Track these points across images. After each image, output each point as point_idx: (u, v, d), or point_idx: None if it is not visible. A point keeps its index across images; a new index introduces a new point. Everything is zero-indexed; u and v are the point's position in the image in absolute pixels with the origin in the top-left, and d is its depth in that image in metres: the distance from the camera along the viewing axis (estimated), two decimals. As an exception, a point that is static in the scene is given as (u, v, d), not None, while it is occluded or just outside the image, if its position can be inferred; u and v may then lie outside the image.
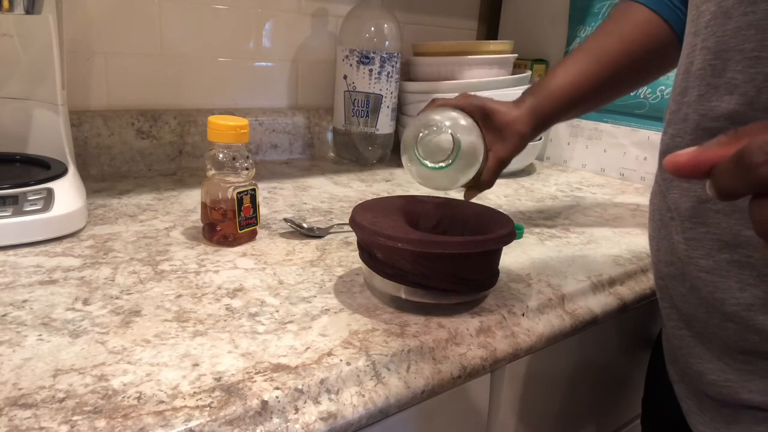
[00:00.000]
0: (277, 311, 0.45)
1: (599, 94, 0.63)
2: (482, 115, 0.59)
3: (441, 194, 0.58)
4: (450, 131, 0.53)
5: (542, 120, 0.61)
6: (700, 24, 0.40)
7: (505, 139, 0.59)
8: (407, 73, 1.05)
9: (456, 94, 0.60)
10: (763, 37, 0.35)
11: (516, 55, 1.01)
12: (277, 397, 0.35)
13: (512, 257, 0.60)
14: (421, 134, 0.54)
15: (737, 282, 0.39)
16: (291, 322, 0.43)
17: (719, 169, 0.25)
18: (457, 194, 0.71)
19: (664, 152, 0.45)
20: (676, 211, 0.43)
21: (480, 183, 0.59)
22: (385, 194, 0.82)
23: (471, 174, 0.57)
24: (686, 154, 0.26)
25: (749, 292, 0.38)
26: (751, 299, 0.38)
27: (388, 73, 0.95)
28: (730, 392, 0.41)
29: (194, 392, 0.34)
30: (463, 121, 0.55)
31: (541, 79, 0.64)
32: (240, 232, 0.57)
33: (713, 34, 0.39)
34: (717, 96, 0.39)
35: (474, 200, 0.60)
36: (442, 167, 0.54)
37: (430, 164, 0.54)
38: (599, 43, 0.62)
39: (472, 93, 0.61)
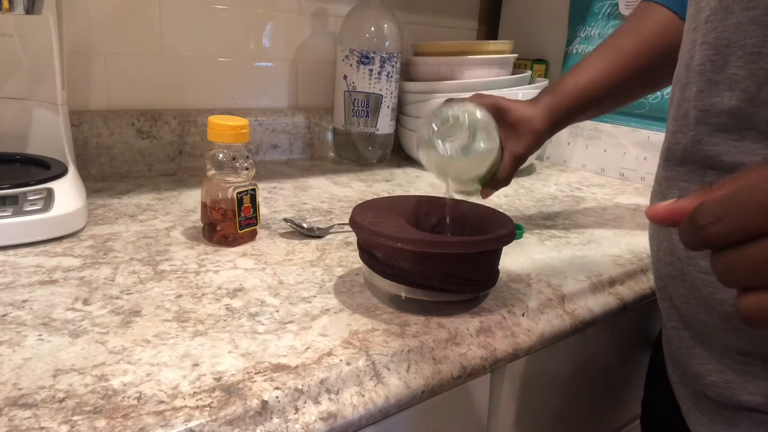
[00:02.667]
0: (277, 311, 0.45)
1: (617, 94, 0.63)
2: (496, 111, 0.58)
3: (442, 194, 0.58)
4: (467, 118, 0.53)
5: (559, 118, 0.61)
6: (700, 19, 0.40)
7: (520, 136, 0.59)
8: (407, 73, 1.05)
9: (458, 94, 0.60)
10: (764, 33, 0.35)
11: (516, 55, 1.01)
12: (277, 397, 0.35)
13: (512, 257, 0.60)
14: (437, 124, 0.54)
15: None
16: (291, 322, 0.43)
17: (681, 227, 0.27)
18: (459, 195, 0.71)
19: (666, 149, 0.45)
20: None
21: (496, 180, 0.59)
22: (385, 194, 0.82)
23: (487, 164, 0.56)
24: (664, 206, 0.28)
25: None
26: None
27: (388, 73, 0.95)
28: (729, 393, 0.41)
29: (194, 392, 0.34)
30: (479, 112, 0.55)
31: (558, 79, 0.64)
32: (240, 232, 0.57)
33: (713, 30, 0.39)
34: (717, 92, 0.38)
35: (472, 199, 0.60)
36: (459, 156, 0.53)
37: (449, 151, 0.53)
38: (618, 43, 0.62)
39: (485, 92, 0.61)
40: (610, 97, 0.63)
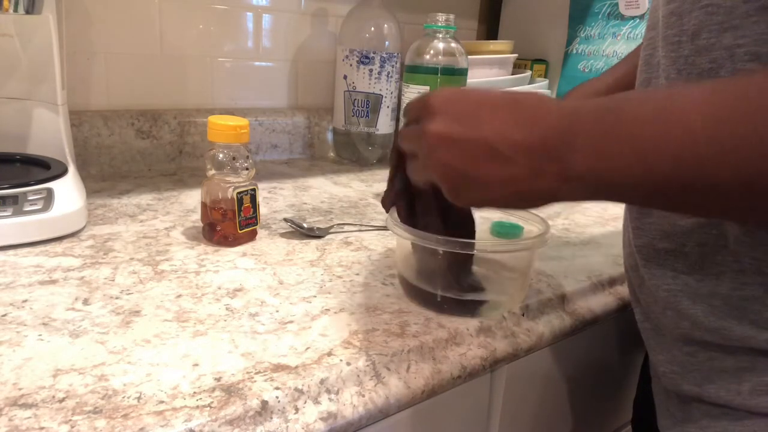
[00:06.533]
0: (277, 311, 0.45)
1: None
2: None
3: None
4: None
5: None
6: (656, 17, 0.42)
7: None
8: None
9: None
10: (680, 21, 0.37)
11: (516, 55, 1.01)
12: (277, 397, 0.35)
13: (512, 257, 0.60)
14: None
15: (671, 270, 0.40)
16: (291, 322, 0.43)
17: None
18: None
19: None
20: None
21: None
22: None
23: None
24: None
25: (680, 279, 0.40)
26: (681, 286, 0.39)
27: (388, 73, 0.95)
28: (676, 383, 0.42)
29: (194, 392, 0.34)
30: None
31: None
32: (240, 232, 0.57)
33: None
34: (656, 82, 0.41)
35: None
36: None
37: None
38: (612, 69, 0.63)
39: None
40: None
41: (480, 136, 0.34)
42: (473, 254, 0.47)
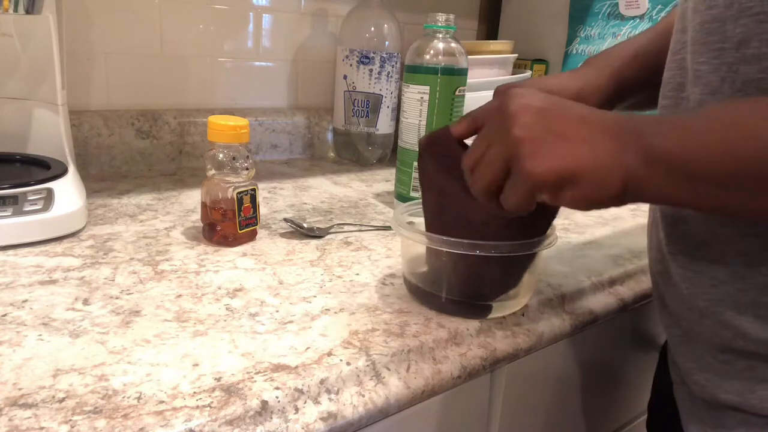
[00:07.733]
0: (277, 311, 0.45)
1: (655, 67, 0.54)
2: None
3: None
4: None
5: (616, 87, 0.55)
6: (687, 20, 0.41)
7: None
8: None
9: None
10: (725, 29, 0.36)
11: (516, 55, 1.01)
12: (277, 397, 0.35)
13: (512, 257, 0.60)
14: None
15: (710, 278, 0.39)
16: (291, 322, 0.43)
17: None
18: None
19: None
20: (660, 208, 0.44)
21: None
22: (385, 194, 0.81)
23: None
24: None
25: (721, 288, 0.39)
26: (722, 295, 0.38)
27: (388, 73, 0.95)
28: (711, 392, 0.41)
29: (194, 392, 0.34)
30: None
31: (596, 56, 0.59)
32: (240, 232, 0.57)
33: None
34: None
35: None
36: None
37: None
38: (655, 26, 0.58)
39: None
40: (651, 69, 0.54)
41: (569, 109, 0.36)
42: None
